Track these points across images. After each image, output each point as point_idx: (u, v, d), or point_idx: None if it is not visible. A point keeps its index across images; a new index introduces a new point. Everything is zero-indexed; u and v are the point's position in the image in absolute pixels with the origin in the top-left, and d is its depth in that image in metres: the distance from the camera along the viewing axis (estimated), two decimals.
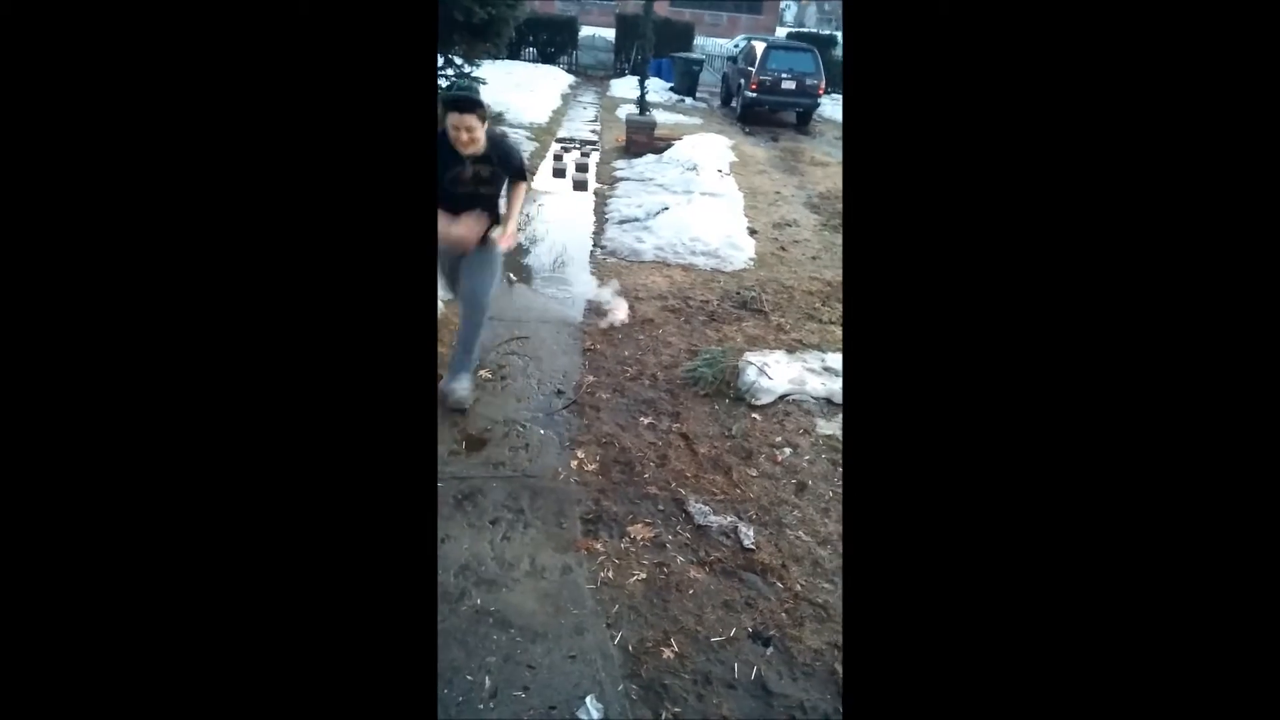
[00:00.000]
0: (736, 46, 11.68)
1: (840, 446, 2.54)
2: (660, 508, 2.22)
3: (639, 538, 2.08)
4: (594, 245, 4.60)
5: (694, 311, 3.67)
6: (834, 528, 2.19)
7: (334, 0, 0.69)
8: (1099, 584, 0.64)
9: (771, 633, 1.79)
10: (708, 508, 2.23)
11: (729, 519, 2.18)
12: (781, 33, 15.88)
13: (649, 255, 4.43)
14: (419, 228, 0.75)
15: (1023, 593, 0.66)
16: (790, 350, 3.22)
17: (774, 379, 2.88)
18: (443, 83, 6.02)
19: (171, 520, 0.66)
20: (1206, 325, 0.62)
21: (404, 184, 0.73)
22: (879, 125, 0.72)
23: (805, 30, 16.72)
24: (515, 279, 3.92)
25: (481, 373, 2.85)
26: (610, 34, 13.96)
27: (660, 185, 5.84)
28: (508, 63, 10.61)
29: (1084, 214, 0.65)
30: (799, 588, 1.94)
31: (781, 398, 2.85)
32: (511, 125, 7.20)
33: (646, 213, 5.05)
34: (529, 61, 12.47)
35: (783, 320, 3.63)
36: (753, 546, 2.07)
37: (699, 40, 14.47)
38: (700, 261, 4.40)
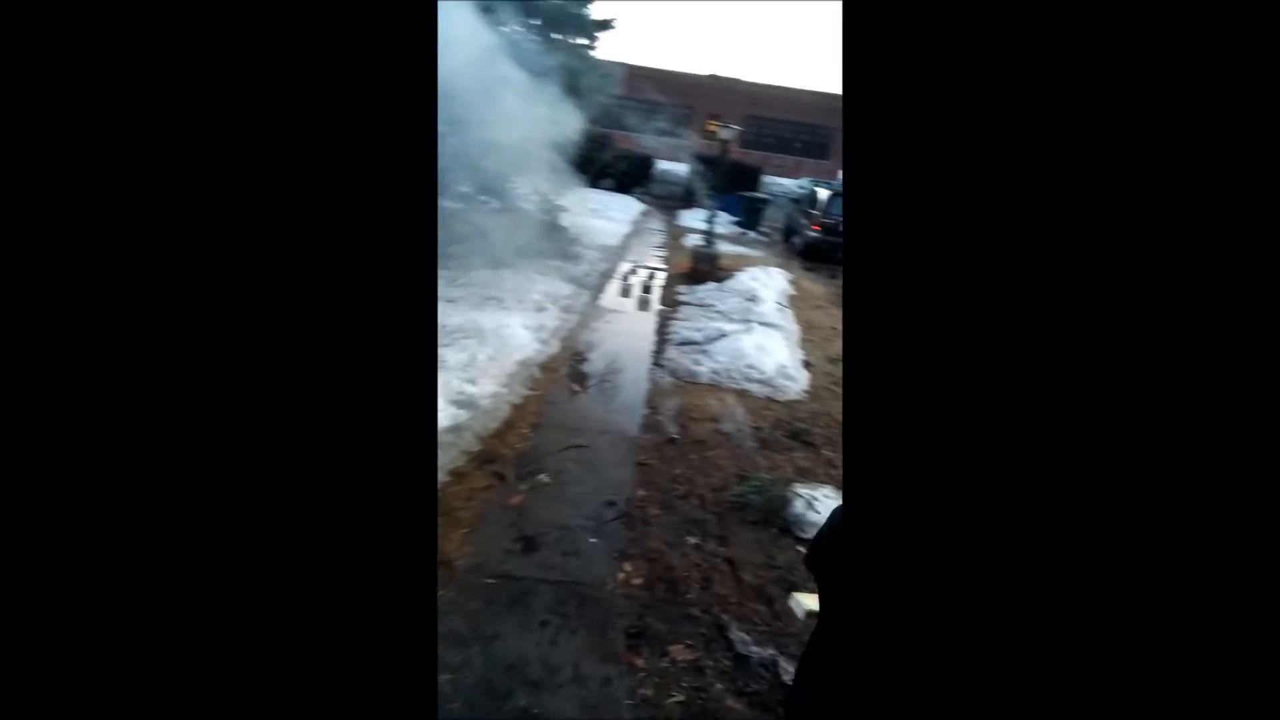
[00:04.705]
0: (801, 189, 12.51)
1: None
2: (702, 631, 2.25)
3: (679, 659, 2.11)
4: (653, 364, 4.85)
5: (745, 437, 3.80)
6: None
7: (335, 1, 0.69)
8: (1100, 591, 0.63)
9: None
10: (749, 637, 2.25)
11: (769, 651, 2.19)
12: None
13: (705, 378, 4.65)
14: (420, 230, 0.74)
15: (1026, 597, 0.65)
16: (839, 486, 3.27)
17: (821, 514, 2.94)
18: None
19: (167, 524, 0.66)
20: (1207, 326, 0.61)
21: (405, 186, 0.73)
22: (878, 124, 0.71)
23: None
24: (578, 389, 4.16)
25: (541, 476, 3.02)
26: (683, 169, 15.17)
27: (720, 312, 6.16)
28: (587, 190, 11.60)
29: (1085, 215, 0.64)
30: None
31: None
32: (585, 246, 7.81)
33: (705, 337, 5.33)
34: (607, 190, 13.58)
35: (832, 455, 3.70)
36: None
37: (766, 179, 15.62)
38: (754, 388, 4.57)
